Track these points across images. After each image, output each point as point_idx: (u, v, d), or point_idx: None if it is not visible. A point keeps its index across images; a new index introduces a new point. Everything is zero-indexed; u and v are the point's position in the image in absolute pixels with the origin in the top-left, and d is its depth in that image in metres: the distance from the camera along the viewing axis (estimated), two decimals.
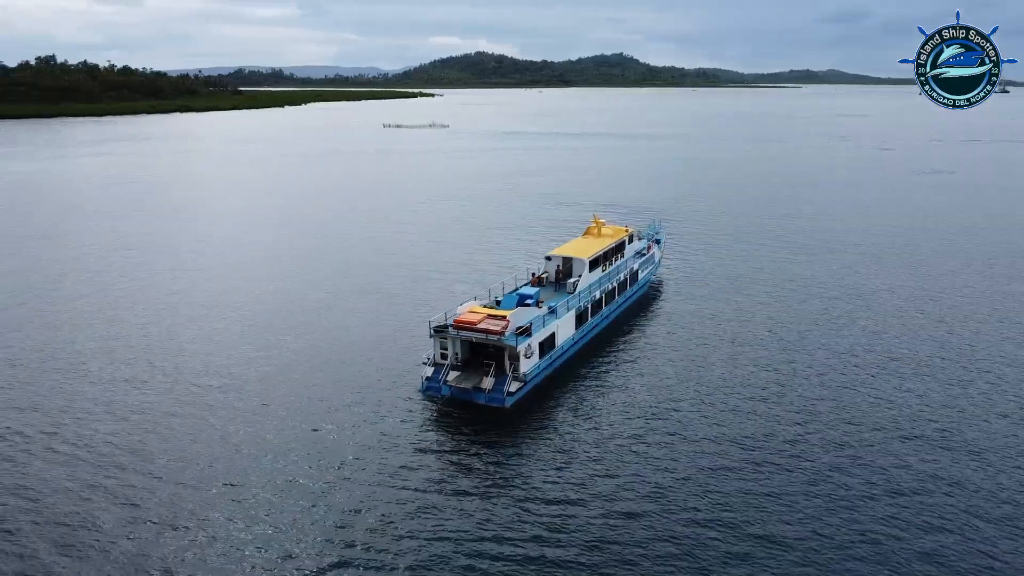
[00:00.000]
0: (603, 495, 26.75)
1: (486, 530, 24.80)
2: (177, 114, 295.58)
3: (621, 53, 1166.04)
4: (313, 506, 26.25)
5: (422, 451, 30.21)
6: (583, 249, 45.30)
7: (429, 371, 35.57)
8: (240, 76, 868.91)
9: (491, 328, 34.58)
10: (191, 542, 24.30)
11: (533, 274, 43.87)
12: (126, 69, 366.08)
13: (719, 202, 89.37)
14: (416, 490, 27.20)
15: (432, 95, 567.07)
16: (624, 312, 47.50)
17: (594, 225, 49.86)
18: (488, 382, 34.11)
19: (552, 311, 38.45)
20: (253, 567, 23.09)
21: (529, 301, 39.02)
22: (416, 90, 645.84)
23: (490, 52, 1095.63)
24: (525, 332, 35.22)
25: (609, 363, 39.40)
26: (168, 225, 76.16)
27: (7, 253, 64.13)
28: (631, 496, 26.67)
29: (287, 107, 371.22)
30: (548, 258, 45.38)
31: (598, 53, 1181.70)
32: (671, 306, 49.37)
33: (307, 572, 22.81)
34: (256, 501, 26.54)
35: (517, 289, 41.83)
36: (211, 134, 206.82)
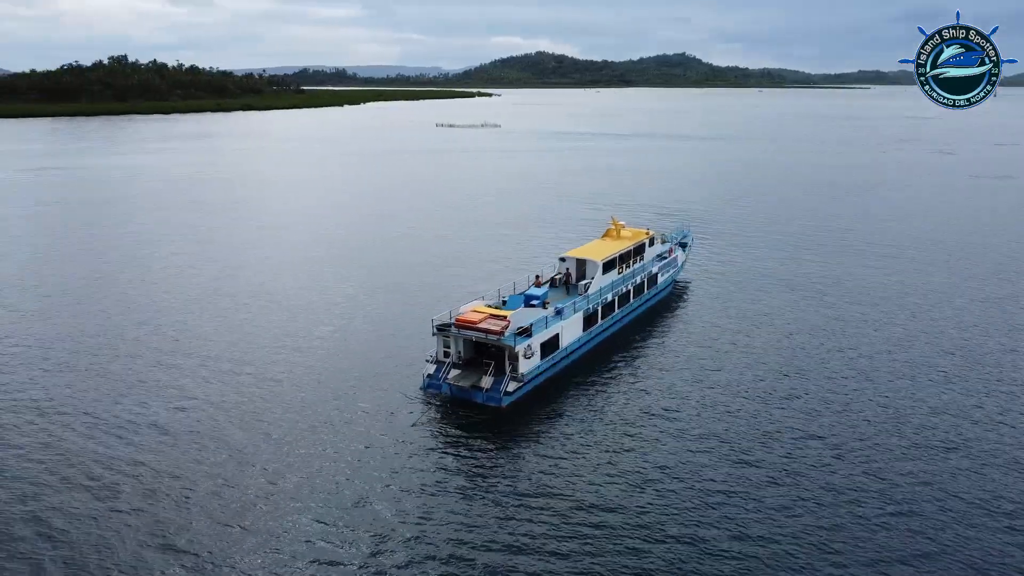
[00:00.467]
0: (581, 499, 26.73)
1: (458, 528, 25.07)
2: (240, 112, 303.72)
3: (684, 53, 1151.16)
4: (293, 498, 26.98)
5: (410, 445, 30.59)
6: (597, 251, 45.19)
7: (431, 368, 36.11)
8: (305, 75, 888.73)
9: (491, 328, 34.88)
10: (186, 528, 25.27)
11: (537, 276, 43.93)
12: (193, 68, 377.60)
13: (761, 206, 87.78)
14: (397, 486, 27.65)
15: (490, 95, 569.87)
16: (641, 315, 47.18)
17: (613, 227, 49.66)
18: (487, 381, 34.42)
19: (559, 312, 38.56)
20: (242, 556, 23.88)
21: (535, 302, 39.22)
22: (475, 90, 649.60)
23: (550, 52, 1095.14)
24: (525, 333, 35.41)
25: (617, 367, 39.18)
26: (213, 219, 78.58)
27: (71, 242, 67.27)
28: (606, 503, 26.57)
29: (346, 106, 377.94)
30: (562, 259, 45.41)
31: (660, 53, 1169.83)
32: (691, 311, 48.81)
33: (276, 559, 23.51)
34: (244, 490, 27.39)
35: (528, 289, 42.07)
36: (269, 132, 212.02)
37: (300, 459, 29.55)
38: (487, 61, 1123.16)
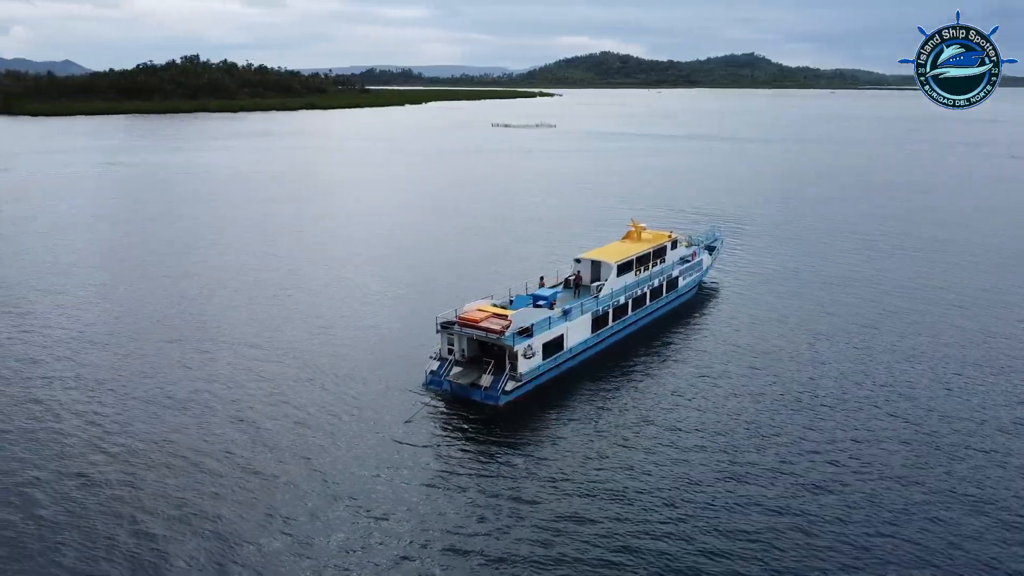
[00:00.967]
0: (562, 503, 26.84)
1: (433, 524, 25.47)
2: (304, 111, 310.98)
3: (752, 53, 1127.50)
4: (274, 477, 27.81)
5: (399, 440, 31.09)
6: (613, 253, 45.01)
7: (434, 365, 36.64)
8: (371, 75, 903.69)
9: (491, 327, 35.20)
10: (185, 521, 26.35)
11: (542, 277, 43.90)
12: (261, 68, 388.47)
13: (807, 210, 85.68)
14: (380, 477, 28.21)
15: (552, 95, 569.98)
16: (659, 319, 46.82)
17: (633, 229, 49.40)
18: (486, 380, 34.74)
19: (565, 313, 38.64)
20: (234, 544, 24.81)
21: (542, 302, 39.34)
22: (536, 90, 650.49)
23: (615, 52, 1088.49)
24: (526, 333, 35.61)
25: (626, 370, 38.94)
26: (260, 213, 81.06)
27: (131, 233, 70.40)
28: (589, 506, 26.56)
29: (407, 106, 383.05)
30: (577, 260, 45.39)
31: (728, 53, 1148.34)
32: (714, 315, 48.17)
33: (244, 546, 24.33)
34: (231, 477, 28.37)
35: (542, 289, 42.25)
36: (327, 131, 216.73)
37: (290, 447, 30.37)
38: (551, 61, 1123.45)
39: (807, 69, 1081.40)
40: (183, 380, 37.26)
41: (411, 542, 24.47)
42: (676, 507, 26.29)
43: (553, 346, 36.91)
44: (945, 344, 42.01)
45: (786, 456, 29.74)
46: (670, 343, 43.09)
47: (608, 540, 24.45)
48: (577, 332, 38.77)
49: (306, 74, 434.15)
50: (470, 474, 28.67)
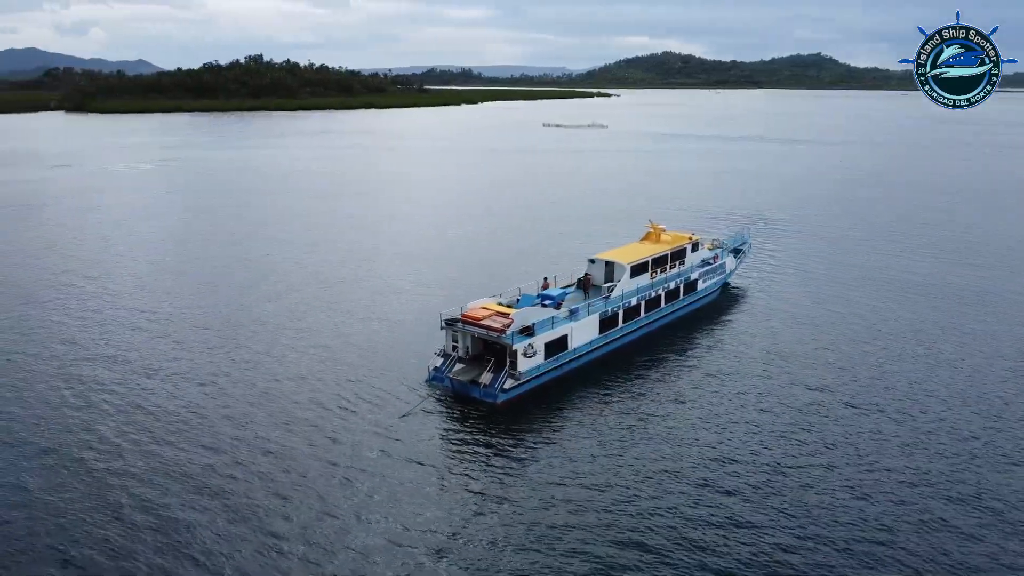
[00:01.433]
0: (543, 503, 26.97)
1: (409, 517, 25.89)
2: (362, 110, 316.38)
3: (819, 53, 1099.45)
4: (259, 478, 28.62)
5: (392, 433, 31.52)
6: (628, 254, 44.79)
7: (438, 362, 37.12)
8: (432, 75, 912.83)
9: (492, 325, 35.48)
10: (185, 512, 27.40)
11: (545, 278, 43.81)
12: (323, 67, 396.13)
13: (856, 214, 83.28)
14: (364, 470, 28.78)
15: (609, 95, 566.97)
16: (675, 321, 46.40)
17: (652, 231, 49.08)
18: (486, 377, 35.01)
19: (572, 313, 38.69)
20: (228, 534, 25.73)
21: (548, 302, 39.41)
22: (595, 90, 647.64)
23: (677, 52, 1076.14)
24: (527, 332, 35.79)
25: (633, 372, 38.65)
26: (307, 208, 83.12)
27: (190, 224, 73.26)
28: (568, 506, 26.62)
29: (463, 105, 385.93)
30: (591, 260, 45.31)
31: (794, 53, 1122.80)
32: (733, 320, 47.40)
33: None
34: (226, 467, 29.31)
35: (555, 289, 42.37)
36: (383, 129, 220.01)
37: (281, 434, 31.19)
38: (612, 61, 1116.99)
39: (876, 70, 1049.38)
40: (204, 363, 38.76)
41: (384, 536, 24.90)
42: (660, 514, 26.15)
43: (556, 346, 36.96)
44: (1003, 357, 40.57)
45: (781, 466, 29.25)
46: (683, 346, 42.64)
47: (580, 543, 24.48)
48: (583, 333, 38.74)
49: (366, 74, 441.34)
50: (455, 470, 28.94)
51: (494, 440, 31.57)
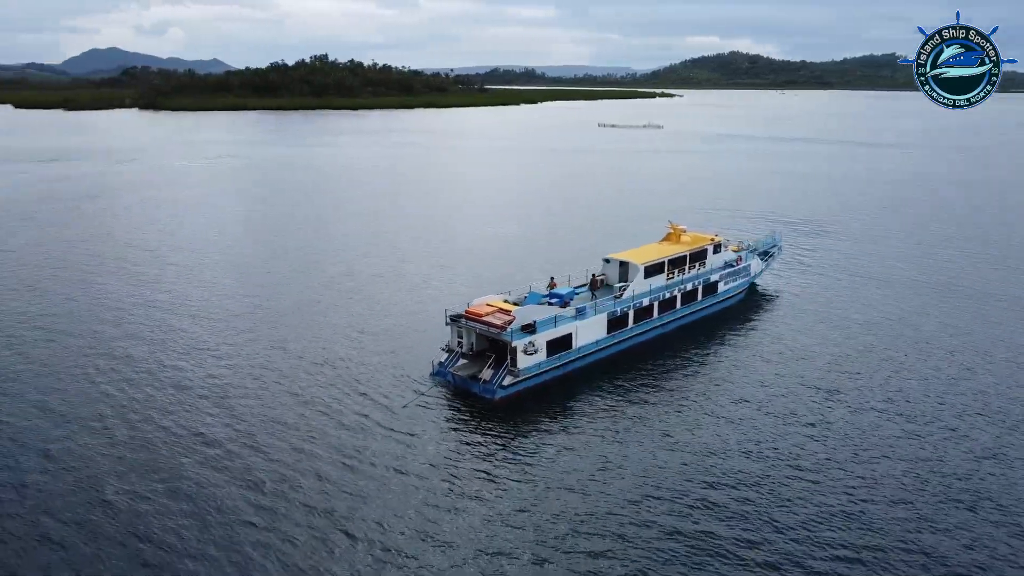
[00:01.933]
0: (524, 500, 27.17)
1: (389, 507, 26.41)
2: (421, 109, 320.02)
3: (893, 54, 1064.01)
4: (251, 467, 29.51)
5: (388, 423, 32.16)
6: (643, 254, 44.48)
7: (443, 357, 37.62)
8: (495, 75, 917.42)
9: (493, 322, 35.79)
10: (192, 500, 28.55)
11: (552, 278, 43.63)
12: (385, 67, 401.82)
13: (905, 218, 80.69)
14: (352, 458, 29.41)
15: (672, 95, 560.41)
16: (693, 323, 45.83)
17: (672, 231, 48.63)
18: (486, 373, 35.37)
19: (579, 312, 38.68)
20: (222, 528, 26.73)
21: (555, 300, 39.44)
22: (658, 91, 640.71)
23: (744, 52, 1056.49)
24: (529, 329, 35.95)
25: (641, 373, 38.31)
26: (352, 204, 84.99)
27: (238, 217, 76.05)
28: (546, 510, 26.67)
29: (523, 105, 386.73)
30: (606, 260, 45.16)
31: (867, 53, 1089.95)
32: (755, 323, 46.50)
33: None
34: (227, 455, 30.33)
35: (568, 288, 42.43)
36: (441, 129, 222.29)
37: (282, 417, 32.11)
38: (678, 61, 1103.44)
39: None
40: (228, 345, 40.32)
41: (362, 524, 25.47)
42: (639, 517, 26.07)
43: (559, 344, 36.98)
44: None
45: (775, 476, 28.81)
46: (698, 349, 42.09)
47: (554, 541, 24.63)
48: (589, 332, 38.65)
49: (427, 73, 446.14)
50: (440, 463, 29.29)
51: (485, 435, 31.83)
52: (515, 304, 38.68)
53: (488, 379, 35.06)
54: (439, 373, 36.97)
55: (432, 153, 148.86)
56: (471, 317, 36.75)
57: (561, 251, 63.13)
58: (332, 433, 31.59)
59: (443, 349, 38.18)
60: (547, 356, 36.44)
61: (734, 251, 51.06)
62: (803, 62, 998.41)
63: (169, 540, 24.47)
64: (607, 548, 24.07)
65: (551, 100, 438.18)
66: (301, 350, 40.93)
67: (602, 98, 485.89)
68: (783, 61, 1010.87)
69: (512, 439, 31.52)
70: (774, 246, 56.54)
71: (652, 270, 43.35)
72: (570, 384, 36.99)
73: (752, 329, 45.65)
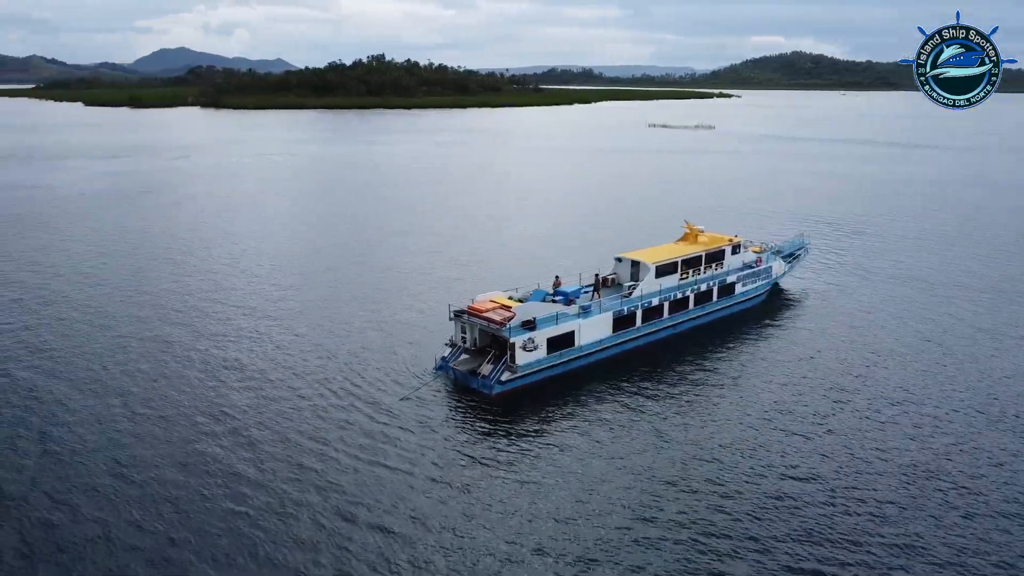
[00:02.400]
0: (506, 496, 27.36)
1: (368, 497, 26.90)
2: (475, 109, 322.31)
3: None
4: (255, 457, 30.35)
5: (382, 415, 32.59)
6: (655, 254, 44.22)
7: (447, 351, 38.08)
8: (552, 75, 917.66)
9: (493, 317, 36.07)
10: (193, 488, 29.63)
11: (557, 277, 43.50)
12: (440, 67, 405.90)
13: (944, 225, 78.12)
14: (339, 447, 30.01)
15: (730, 96, 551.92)
16: (706, 324, 45.26)
17: (689, 231, 48.18)
18: (485, 368, 35.65)
19: (584, 310, 38.67)
20: (220, 524, 27.70)
21: (558, 298, 39.50)
22: (715, 91, 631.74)
23: (807, 52, 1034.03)
24: (529, 326, 36.11)
25: (647, 374, 37.83)
26: (397, 200, 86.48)
27: (282, 213, 78.36)
28: (521, 499, 26.89)
29: (576, 105, 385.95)
30: (618, 259, 45.02)
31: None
32: (773, 327, 45.52)
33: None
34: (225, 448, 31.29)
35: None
36: (492, 128, 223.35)
37: (281, 406, 32.94)
38: (739, 61, 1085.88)
39: None
40: (232, 341, 41.36)
41: (326, 513, 26.03)
42: (624, 521, 26.06)
43: (560, 342, 37.02)
44: None
45: (784, 492, 28.42)
46: (710, 351, 41.46)
47: (519, 537, 24.81)
48: (593, 330, 38.59)
49: (483, 74, 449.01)
50: (428, 454, 29.56)
51: (477, 429, 32.04)
52: (520, 301, 38.91)
53: (486, 374, 35.35)
54: (441, 367, 37.40)
55: (478, 152, 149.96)
56: (473, 313, 37.10)
57: (583, 250, 62.94)
58: (320, 421, 32.15)
59: (447, 344, 38.64)
60: (547, 353, 36.54)
61: (755, 252, 50.37)
62: (868, 62, 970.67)
63: (141, 525, 25.40)
64: (566, 549, 24.11)
65: (605, 100, 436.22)
66: (314, 339, 41.98)
67: (657, 98, 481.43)
68: (847, 61, 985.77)
69: (504, 435, 31.65)
70: (800, 248, 55.52)
71: (664, 270, 43.03)
72: (571, 382, 36.92)
73: (769, 332, 44.87)
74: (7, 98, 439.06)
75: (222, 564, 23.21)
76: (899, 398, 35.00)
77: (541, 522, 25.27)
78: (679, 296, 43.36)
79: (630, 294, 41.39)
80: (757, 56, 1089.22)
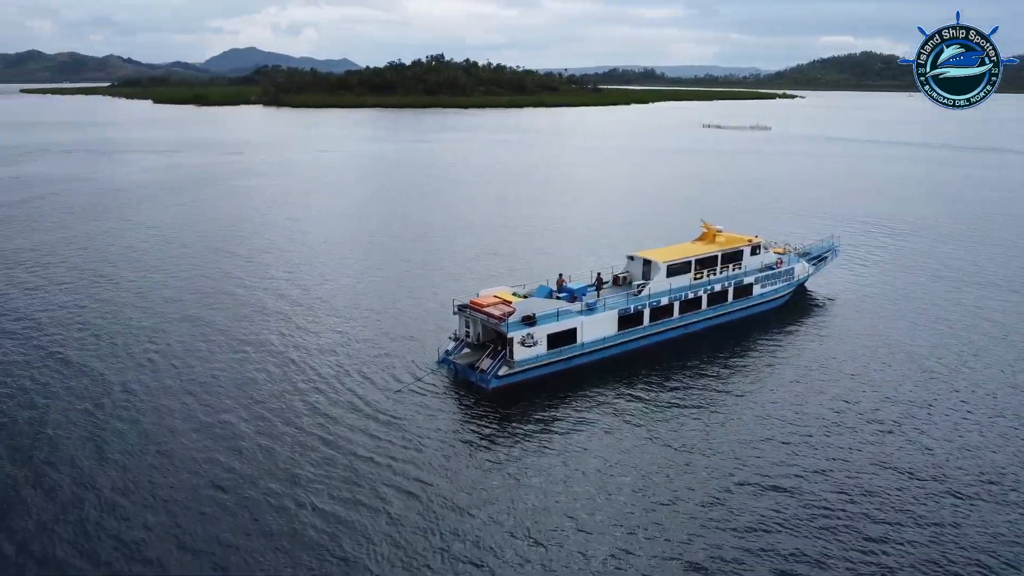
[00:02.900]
0: (488, 492, 27.57)
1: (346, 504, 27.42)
2: (530, 108, 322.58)
3: None
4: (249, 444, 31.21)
5: (378, 406, 33.05)
6: (669, 253, 43.78)
7: (449, 345, 38.47)
8: (614, 75, 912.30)
9: (493, 312, 36.24)
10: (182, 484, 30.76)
11: (560, 275, 43.14)
12: (498, 67, 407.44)
13: (994, 231, 75.13)
14: (332, 439, 30.61)
15: (793, 97, 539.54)
16: (722, 325, 44.56)
17: (707, 231, 47.53)
18: (485, 363, 35.90)
19: (590, 308, 38.57)
20: (218, 513, 28.69)
21: (563, 295, 39.52)
22: (778, 92, 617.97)
23: (878, 53, 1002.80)
24: (529, 321, 36.19)
25: (653, 374, 37.42)
26: (436, 197, 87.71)
27: (321, 207, 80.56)
28: (493, 530, 27.01)
29: (633, 105, 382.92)
30: (631, 258, 44.71)
31: (1021, 53, 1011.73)
32: (791, 330, 44.45)
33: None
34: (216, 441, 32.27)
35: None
36: (543, 127, 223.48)
37: (281, 396, 33.76)
38: (806, 61, 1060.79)
39: None
40: (253, 331, 42.58)
41: (303, 504, 26.62)
42: (607, 524, 26.02)
43: (561, 338, 36.94)
44: None
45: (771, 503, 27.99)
46: (719, 352, 40.78)
47: (518, 542, 24.97)
48: (597, 328, 38.40)
49: (542, 73, 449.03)
50: (410, 447, 29.85)
51: (470, 424, 32.24)
52: (523, 297, 39.06)
53: (485, 368, 35.59)
54: (443, 361, 37.80)
55: (528, 151, 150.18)
56: (474, 307, 37.38)
57: (608, 249, 62.59)
58: (315, 411, 32.78)
59: (451, 338, 39.01)
60: (548, 349, 36.54)
61: (777, 253, 49.41)
62: None
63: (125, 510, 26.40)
64: (544, 551, 24.17)
65: (664, 100, 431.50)
66: (330, 325, 43.45)
67: (717, 99, 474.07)
68: None
69: (497, 429, 31.74)
70: (829, 251, 54.22)
71: (676, 269, 42.57)
72: (572, 379, 36.87)
73: (785, 335, 43.86)
74: (84, 95, 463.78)
75: (198, 550, 24.01)
76: (906, 412, 33.98)
77: (522, 515, 25.39)
78: (691, 296, 42.82)
79: (639, 292, 41.10)
80: (826, 56, 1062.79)
